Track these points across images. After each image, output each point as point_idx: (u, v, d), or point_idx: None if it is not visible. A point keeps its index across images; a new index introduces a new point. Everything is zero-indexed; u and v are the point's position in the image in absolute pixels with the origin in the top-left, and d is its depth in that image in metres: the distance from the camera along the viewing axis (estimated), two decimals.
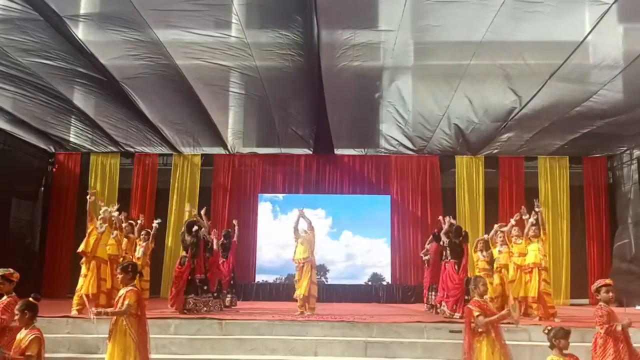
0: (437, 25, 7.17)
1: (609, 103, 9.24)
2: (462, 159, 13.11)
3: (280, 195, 13.35)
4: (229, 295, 9.94)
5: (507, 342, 4.55)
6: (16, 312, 4.34)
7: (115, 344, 4.48)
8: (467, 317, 4.61)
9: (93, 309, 4.64)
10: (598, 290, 4.67)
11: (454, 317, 7.97)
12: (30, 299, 4.43)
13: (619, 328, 4.34)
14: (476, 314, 4.46)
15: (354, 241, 13.11)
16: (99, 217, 8.28)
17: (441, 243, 9.10)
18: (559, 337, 4.21)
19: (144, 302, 4.89)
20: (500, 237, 9.27)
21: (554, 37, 7.41)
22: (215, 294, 8.90)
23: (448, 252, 8.67)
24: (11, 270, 4.96)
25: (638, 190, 11.84)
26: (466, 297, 7.44)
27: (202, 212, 9.25)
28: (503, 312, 4.55)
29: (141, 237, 9.81)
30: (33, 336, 4.19)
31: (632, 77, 8.29)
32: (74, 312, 7.65)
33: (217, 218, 12.54)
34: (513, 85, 8.92)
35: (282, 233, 11.78)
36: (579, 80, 8.50)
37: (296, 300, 8.66)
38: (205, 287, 8.48)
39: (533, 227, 8.37)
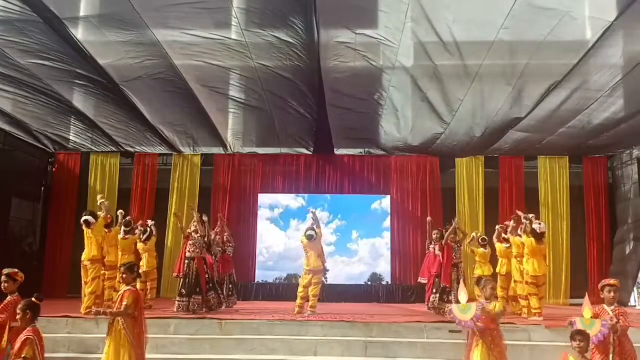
0: (438, 26, 7.17)
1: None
2: (462, 159, 13.09)
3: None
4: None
5: (506, 343, 4.57)
6: (18, 311, 4.37)
7: (111, 343, 4.52)
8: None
9: (94, 309, 4.67)
10: (602, 289, 4.70)
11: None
12: (33, 299, 4.46)
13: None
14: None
15: (354, 241, 13.11)
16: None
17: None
18: (571, 339, 4.26)
19: (142, 302, 4.91)
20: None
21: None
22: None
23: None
24: (16, 270, 5.04)
25: (638, 190, 11.83)
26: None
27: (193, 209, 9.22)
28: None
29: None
30: (25, 337, 4.20)
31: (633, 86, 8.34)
32: (85, 311, 7.57)
33: (217, 218, 12.48)
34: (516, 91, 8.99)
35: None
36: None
37: (297, 299, 8.65)
38: (201, 288, 8.46)
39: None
